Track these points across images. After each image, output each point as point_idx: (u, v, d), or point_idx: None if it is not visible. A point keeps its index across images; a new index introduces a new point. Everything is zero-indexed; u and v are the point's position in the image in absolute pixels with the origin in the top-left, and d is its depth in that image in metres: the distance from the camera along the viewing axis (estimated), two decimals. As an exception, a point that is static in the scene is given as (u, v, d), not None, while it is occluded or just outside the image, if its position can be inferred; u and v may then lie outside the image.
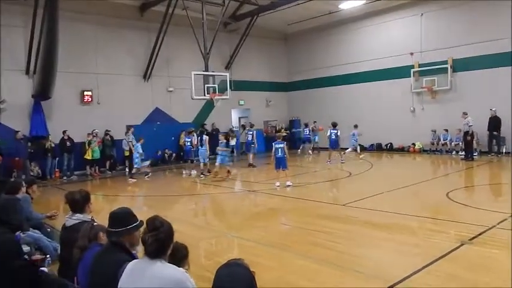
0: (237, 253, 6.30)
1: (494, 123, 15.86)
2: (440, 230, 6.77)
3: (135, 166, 14.55)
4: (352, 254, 5.86)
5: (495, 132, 15.99)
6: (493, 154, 16.23)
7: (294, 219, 8.25)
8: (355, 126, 17.61)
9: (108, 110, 17.00)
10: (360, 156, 17.50)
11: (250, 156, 16.83)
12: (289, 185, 11.38)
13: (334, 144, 16.47)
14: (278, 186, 11.36)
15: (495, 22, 16.26)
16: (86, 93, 16.57)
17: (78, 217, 4.13)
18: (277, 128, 23.33)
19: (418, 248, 5.95)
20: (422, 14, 18.75)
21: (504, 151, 16.44)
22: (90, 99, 16.71)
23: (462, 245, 5.81)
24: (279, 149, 11.59)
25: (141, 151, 14.32)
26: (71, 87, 16.11)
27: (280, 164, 11.65)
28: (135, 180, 14.18)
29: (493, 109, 15.81)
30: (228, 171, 14.07)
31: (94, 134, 15.99)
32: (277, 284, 4.78)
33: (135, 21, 18.06)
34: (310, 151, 20.74)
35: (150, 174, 14.97)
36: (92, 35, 16.75)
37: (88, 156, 15.80)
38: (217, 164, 13.91)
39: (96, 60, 16.88)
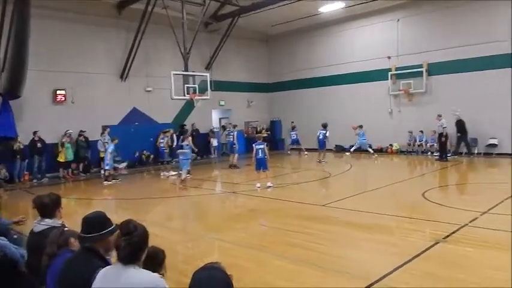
0: (216, 255, 6.22)
1: (459, 126, 16.37)
2: (417, 229, 6.91)
3: (106, 168, 13.90)
4: (332, 254, 5.89)
5: (458, 134, 16.46)
6: (463, 154, 16.72)
7: (273, 220, 8.24)
8: (361, 127, 17.98)
9: (82, 110, 16.52)
10: (374, 156, 17.84)
11: (233, 157, 16.65)
12: (269, 186, 11.37)
13: (322, 145, 16.69)
14: (258, 187, 11.34)
15: (468, 28, 16.86)
16: (58, 92, 15.95)
17: (47, 222, 3.88)
18: (258, 129, 23.39)
19: (396, 247, 6.06)
20: (398, 20, 19.19)
21: (476, 152, 16.97)
22: (63, 99, 16.12)
23: (437, 243, 5.96)
24: (260, 150, 11.59)
25: (110, 150, 13.66)
26: (42, 86, 15.49)
27: (261, 165, 11.65)
28: (110, 182, 13.74)
29: (457, 113, 16.31)
30: (182, 180, 12.48)
31: (68, 135, 15.49)
32: (257, 285, 4.75)
33: (112, 20, 17.65)
34: (297, 152, 20.73)
35: (120, 179, 14.40)
36: (66, 32, 16.22)
37: (61, 158, 15.27)
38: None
39: (70, 58, 16.34)
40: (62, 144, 15.28)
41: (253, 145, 11.98)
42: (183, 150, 12.61)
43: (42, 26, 14.69)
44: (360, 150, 18.52)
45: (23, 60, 13.25)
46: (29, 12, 12.38)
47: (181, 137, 14.22)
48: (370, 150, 18.20)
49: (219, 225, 8.11)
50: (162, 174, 15.44)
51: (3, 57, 14.11)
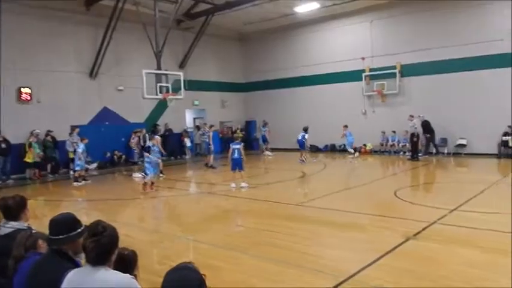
0: (192, 256, 6.06)
1: (425, 126, 16.88)
2: (389, 227, 7.02)
3: (77, 169, 13.37)
4: (308, 252, 5.88)
5: (427, 135, 16.98)
6: (433, 154, 17.14)
7: (249, 220, 8.20)
8: (346, 126, 18.02)
9: (50, 109, 15.92)
10: (355, 155, 18.10)
11: (210, 158, 16.35)
12: (243, 187, 11.28)
13: (301, 146, 16.96)
14: (234, 187, 11.25)
15: (440, 30, 17.28)
16: (23, 90, 15.28)
17: (13, 225, 3.74)
18: (233, 129, 23.29)
19: (368, 243, 6.17)
20: (372, 21, 19.48)
21: (446, 151, 17.41)
22: (28, 97, 15.46)
23: (407, 240, 6.07)
24: (236, 150, 11.51)
25: (80, 150, 13.18)
26: (5, 84, 14.69)
27: (237, 165, 11.56)
28: (80, 183, 13.25)
29: (421, 115, 16.86)
30: (144, 184, 11.55)
31: (35, 135, 14.93)
32: (235, 285, 4.70)
33: (81, 16, 17.04)
34: (267, 151, 20.84)
35: (89, 180, 13.89)
36: (32, 28, 15.57)
37: (28, 158, 14.69)
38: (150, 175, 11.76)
39: (36, 55, 15.70)
40: (30, 145, 14.71)
41: (230, 145, 11.90)
42: (147, 154, 11.78)
43: (6, 21, 14.05)
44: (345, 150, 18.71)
45: None
46: None
47: (149, 137, 13.88)
48: (351, 150, 18.30)
49: (194, 226, 7.99)
50: (133, 175, 15.02)
51: None
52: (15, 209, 3.77)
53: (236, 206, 9.67)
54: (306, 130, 16.94)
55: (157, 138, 12.77)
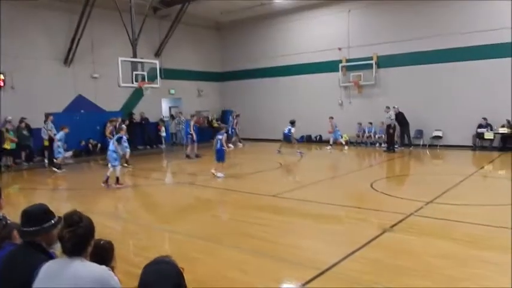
0: (168, 247, 6.10)
1: (399, 118, 17.00)
2: (365, 219, 7.11)
3: (57, 156, 13.35)
4: (284, 243, 5.92)
5: (401, 127, 17.17)
6: (411, 147, 17.37)
7: (225, 211, 8.22)
8: (332, 118, 17.67)
9: (23, 96, 15.58)
10: (345, 148, 17.91)
11: (191, 147, 16.11)
12: (220, 177, 11.26)
13: (287, 138, 16.85)
14: (213, 176, 11.21)
15: (417, 22, 17.42)
16: None
17: None
18: (210, 119, 23.09)
19: (345, 236, 6.23)
20: (349, 11, 19.51)
21: (422, 143, 17.76)
22: (2, 84, 15.16)
23: (384, 232, 6.13)
24: (218, 141, 11.45)
25: (59, 137, 13.25)
26: None
27: (218, 156, 11.50)
28: (60, 171, 13.17)
29: (396, 107, 16.99)
30: (108, 178, 10.51)
31: (8, 121, 14.61)
32: (211, 277, 4.68)
33: (55, 2, 16.58)
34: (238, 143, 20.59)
35: (64, 169, 13.65)
36: (5, 15, 15.04)
37: (7, 145, 14.35)
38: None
39: (8, 41, 15.17)
40: (7, 131, 14.39)
41: (216, 134, 11.85)
42: (116, 144, 10.79)
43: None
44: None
45: None
46: None
47: (117, 128, 13.57)
48: (343, 142, 18.17)
49: (171, 216, 7.95)
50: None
51: None
52: (-12, 198, 3.72)
53: (212, 196, 9.67)
54: (292, 123, 16.71)
55: (124, 128, 12.07)
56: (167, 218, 7.78)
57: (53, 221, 2.76)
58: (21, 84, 15.67)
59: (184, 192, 10.43)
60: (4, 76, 15.21)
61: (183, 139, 18.60)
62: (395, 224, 6.49)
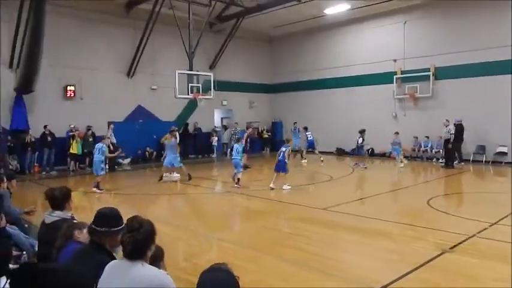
0: (216, 255, 6.23)
1: (457, 130, 15.69)
2: (421, 237, 6.76)
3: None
4: (332, 258, 5.84)
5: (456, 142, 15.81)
6: (470, 162, 16.40)
7: (274, 222, 8.21)
8: (397, 133, 16.83)
9: (90, 105, 16.86)
10: (401, 166, 16.53)
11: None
12: (285, 189, 11.22)
13: (311, 145, 17.06)
14: (272, 188, 11.18)
15: (476, 32, 16.64)
16: (69, 88, 16.46)
17: (58, 214, 4.04)
18: (260, 130, 23.30)
19: (398, 254, 5.94)
20: (405, 22, 19.02)
21: (484, 159, 16.62)
22: (72, 94, 16.58)
23: (443, 253, 5.76)
24: (281, 153, 11.57)
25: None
26: (54, 82, 15.94)
27: (280, 167, 11.53)
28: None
29: (459, 119, 15.78)
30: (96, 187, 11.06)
31: (76, 129, 15.82)
32: (254, 285, 4.64)
33: (121, 19, 17.95)
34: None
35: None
36: (76, 30, 16.62)
37: (73, 150, 15.55)
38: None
39: (80, 55, 16.72)
40: (73, 137, 15.57)
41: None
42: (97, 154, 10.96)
43: (54, 22, 14.77)
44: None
45: (37, 57, 13.43)
46: (44, 9, 12.50)
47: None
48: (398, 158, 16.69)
49: (219, 224, 8.10)
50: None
51: (18, 53, 14.41)
52: (60, 200, 4.07)
53: (261, 206, 9.68)
54: (362, 132, 16.44)
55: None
56: (216, 226, 7.92)
57: (120, 227, 2.95)
58: (89, 95, 16.96)
59: (233, 201, 10.60)
60: (74, 88, 16.54)
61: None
62: (455, 245, 6.08)
